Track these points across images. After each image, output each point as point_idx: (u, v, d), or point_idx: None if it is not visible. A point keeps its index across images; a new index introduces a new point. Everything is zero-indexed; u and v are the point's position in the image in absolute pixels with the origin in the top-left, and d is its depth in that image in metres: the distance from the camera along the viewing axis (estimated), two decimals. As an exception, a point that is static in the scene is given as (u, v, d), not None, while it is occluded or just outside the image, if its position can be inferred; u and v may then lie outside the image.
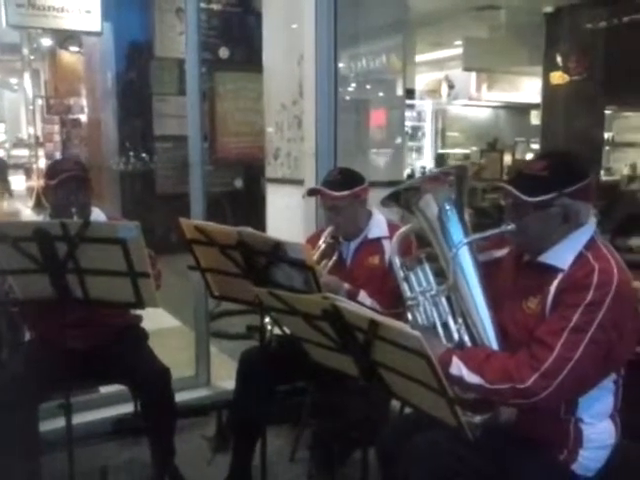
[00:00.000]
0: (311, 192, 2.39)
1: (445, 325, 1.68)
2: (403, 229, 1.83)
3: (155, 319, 2.69)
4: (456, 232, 1.66)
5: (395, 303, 2.28)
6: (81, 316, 2.19)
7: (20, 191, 15.09)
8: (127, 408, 2.85)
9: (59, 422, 2.40)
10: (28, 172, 15.32)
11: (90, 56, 9.44)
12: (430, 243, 1.75)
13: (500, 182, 1.60)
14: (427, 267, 1.75)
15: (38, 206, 12.27)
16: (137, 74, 7.39)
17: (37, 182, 12.75)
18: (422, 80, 11.75)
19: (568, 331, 1.47)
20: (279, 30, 3.91)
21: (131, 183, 7.41)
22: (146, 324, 2.61)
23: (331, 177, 2.36)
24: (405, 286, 1.77)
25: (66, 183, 2.32)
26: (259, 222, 4.24)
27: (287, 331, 2.12)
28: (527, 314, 1.61)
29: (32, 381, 2.17)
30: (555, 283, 1.55)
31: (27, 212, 12.27)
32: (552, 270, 1.58)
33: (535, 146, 10.24)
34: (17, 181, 15.56)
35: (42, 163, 12.35)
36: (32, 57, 14.66)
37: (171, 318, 4.59)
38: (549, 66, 7.94)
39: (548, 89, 8.09)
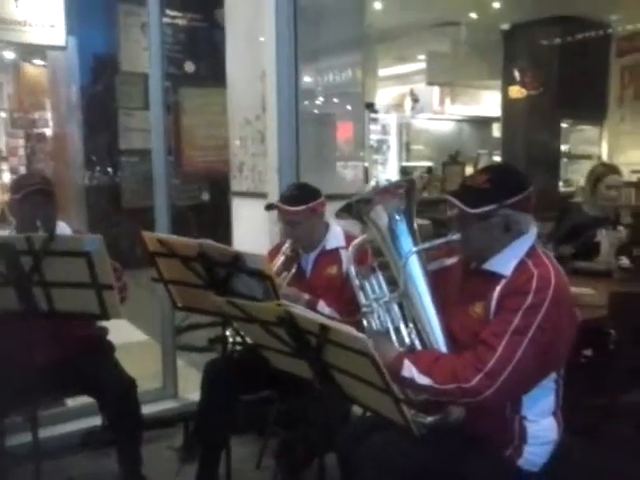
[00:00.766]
0: (268, 207, 2.48)
1: (397, 330, 1.77)
2: (358, 239, 1.92)
3: (123, 333, 2.74)
4: (406, 242, 1.75)
5: (353, 311, 2.36)
6: (46, 329, 2.23)
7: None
8: (95, 421, 2.90)
9: (27, 436, 2.44)
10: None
11: (54, 70, 9.37)
12: (382, 252, 1.84)
13: (445, 195, 1.70)
14: (380, 275, 1.84)
15: (2, 221, 12.11)
16: (102, 88, 7.41)
17: (1, 196, 12.58)
18: (387, 94, 11.96)
19: (510, 333, 1.58)
20: (242, 46, 4.00)
21: (97, 197, 7.39)
22: (114, 337, 2.65)
23: (288, 192, 2.45)
24: (360, 294, 1.86)
25: (31, 197, 2.36)
26: (225, 234, 4.31)
27: (248, 340, 2.22)
28: (473, 318, 1.71)
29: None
30: (498, 289, 1.66)
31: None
32: (495, 276, 1.69)
33: (497, 158, 10.52)
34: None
35: (6, 177, 12.20)
36: (-5, 70, 14.53)
37: (138, 332, 4.61)
38: (507, 81, 8.20)
39: (507, 103, 8.35)
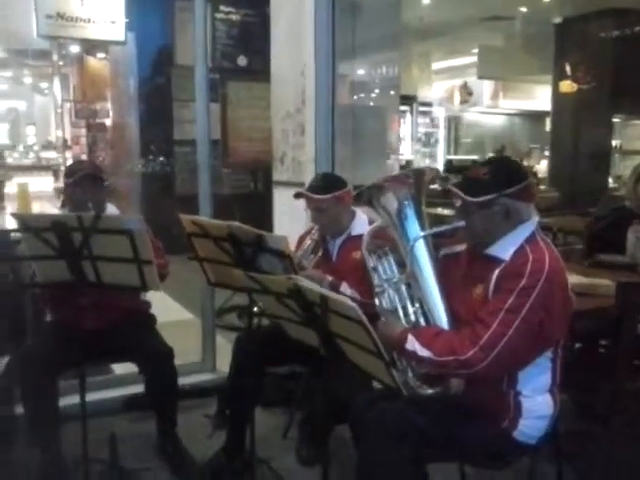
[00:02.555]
0: (297, 195, 2.65)
1: (405, 309, 1.93)
2: (373, 225, 2.08)
3: (171, 312, 2.98)
4: (413, 227, 1.90)
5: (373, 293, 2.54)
6: (95, 299, 2.48)
7: (48, 192, 15.57)
8: (138, 389, 3.16)
9: (75, 398, 2.70)
10: (56, 174, 15.82)
11: (115, 63, 9.83)
12: (393, 237, 2.00)
13: (450, 185, 1.84)
14: (391, 258, 2.00)
15: (65, 206, 12.73)
16: (159, 81, 7.74)
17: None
18: (440, 87, 11.96)
19: (504, 311, 1.71)
20: (285, 41, 4.19)
21: (152, 184, 7.75)
22: (163, 316, 2.91)
23: (314, 182, 2.63)
24: (374, 275, 2.03)
25: (82, 181, 2.62)
26: (270, 222, 4.53)
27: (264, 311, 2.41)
28: (474, 300, 1.85)
29: (51, 359, 2.46)
30: (497, 271, 1.79)
31: (54, 211, 12.74)
32: (496, 261, 1.82)
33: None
34: (45, 182, 16.06)
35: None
36: (61, 63, 15.21)
37: (185, 311, 4.89)
38: (558, 75, 8.12)
39: (557, 97, 8.26)
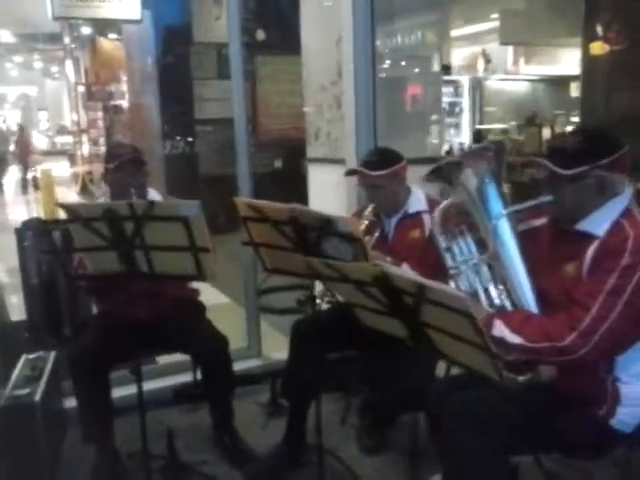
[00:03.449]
0: (350, 172, 2.51)
1: (487, 291, 1.79)
2: (445, 203, 1.94)
3: (205, 296, 2.87)
4: (495, 204, 1.76)
5: (435, 274, 2.40)
6: (144, 289, 2.36)
7: (64, 177, 15.56)
8: (185, 377, 3.07)
9: (122, 390, 2.62)
10: (72, 158, 15.79)
11: (130, 43, 9.66)
12: (471, 215, 1.86)
13: (536, 157, 1.69)
14: (469, 237, 1.86)
15: (84, 191, 12.68)
16: (177, 59, 7.56)
17: (82, 168, 13.16)
18: (458, 55, 11.63)
19: (605, 293, 1.57)
20: (316, 11, 4.01)
21: (175, 166, 7.63)
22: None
23: (369, 157, 2.48)
24: (447, 256, 1.89)
25: (124, 166, 2.50)
26: (299, 201, 4.39)
27: (335, 300, 2.29)
28: (565, 278, 1.71)
29: (102, 351, 2.37)
30: (591, 248, 1.65)
31: (73, 197, 12.68)
32: (588, 237, 1.67)
33: (575, 119, 10.10)
34: (61, 167, 16.04)
35: (86, 149, 12.74)
36: (73, 45, 15.05)
37: (220, 295, 4.79)
38: (588, 37, 7.81)
39: (587, 60, 7.96)
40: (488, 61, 11.55)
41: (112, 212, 1.98)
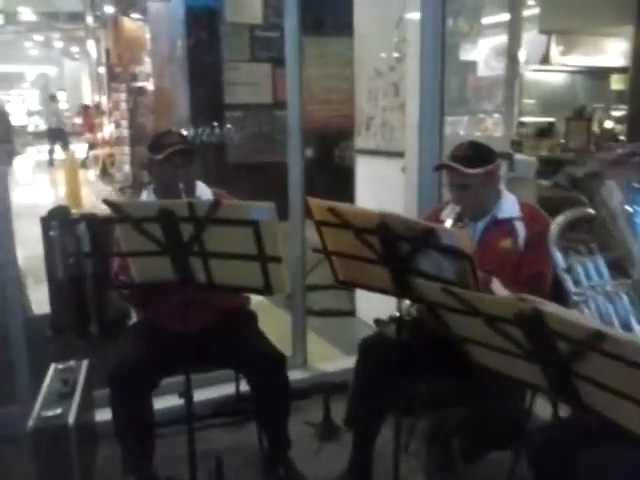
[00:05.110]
0: (439, 167, 2.18)
1: (627, 326, 1.47)
2: (568, 214, 1.61)
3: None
4: (646, 222, 1.43)
5: (533, 293, 2.08)
6: (193, 297, 2.07)
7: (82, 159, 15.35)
8: (227, 389, 2.78)
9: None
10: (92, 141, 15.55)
11: (156, 23, 9.33)
12: (604, 232, 1.53)
13: None
14: (599, 258, 1.54)
15: (104, 175, 12.43)
16: (207, 40, 7.21)
17: (102, 151, 12.90)
18: (489, 44, 11.18)
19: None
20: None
21: (202, 152, 7.30)
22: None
23: (461, 152, 2.14)
24: (567, 278, 1.57)
25: (173, 157, 2.20)
26: (336, 192, 4.07)
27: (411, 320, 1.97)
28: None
29: (144, 369, 2.08)
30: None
31: (93, 180, 12.44)
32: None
33: (616, 113, 9.65)
34: (79, 149, 15.83)
35: (107, 131, 12.46)
36: (95, 25, 14.74)
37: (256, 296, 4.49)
38: (641, 26, 7.36)
39: (638, 50, 7.52)
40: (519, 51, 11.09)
41: (168, 213, 1.68)
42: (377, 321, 1.93)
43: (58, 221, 3.85)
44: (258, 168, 6.73)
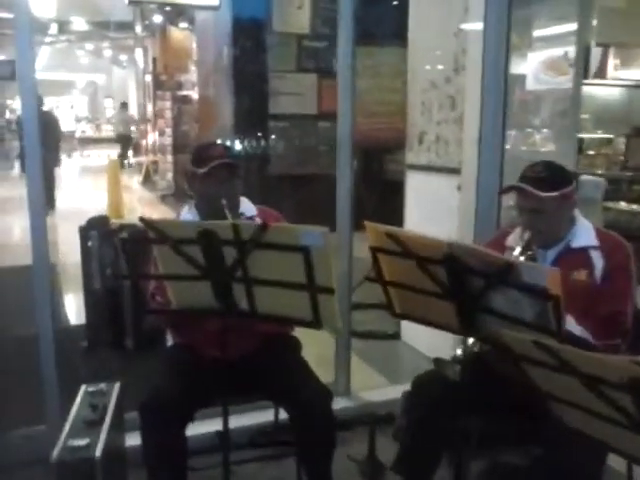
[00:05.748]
0: (508, 190, 1.97)
1: None
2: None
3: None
4: None
5: (611, 332, 1.86)
6: (233, 323, 1.90)
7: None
8: (265, 417, 2.60)
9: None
10: (136, 147, 15.72)
11: (203, 32, 9.32)
12: None
13: None
14: None
15: (147, 181, 12.49)
16: (253, 50, 7.12)
17: (147, 158, 12.99)
18: (534, 58, 10.77)
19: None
20: (430, 1, 3.48)
21: (245, 162, 7.20)
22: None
23: (534, 173, 1.92)
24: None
25: (217, 172, 2.04)
26: (384, 212, 3.87)
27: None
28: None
29: (180, 398, 1.91)
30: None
31: (136, 186, 12.50)
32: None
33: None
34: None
35: (151, 138, 12.54)
36: (143, 34, 14.92)
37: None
38: None
39: None
40: (570, 65, 10.72)
41: (211, 234, 1.52)
42: (437, 361, 1.72)
43: (97, 231, 3.77)
44: (301, 180, 6.59)
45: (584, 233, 1.99)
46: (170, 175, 10.64)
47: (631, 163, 6.46)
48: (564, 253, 1.98)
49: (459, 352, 1.73)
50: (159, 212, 9.51)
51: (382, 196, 3.47)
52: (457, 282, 1.50)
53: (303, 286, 1.53)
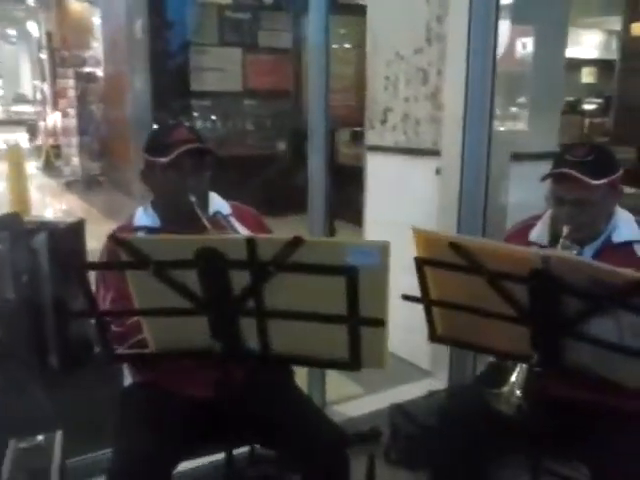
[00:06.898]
0: (551, 176, 1.63)
1: None
2: None
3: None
4: None
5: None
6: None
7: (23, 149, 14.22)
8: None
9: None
10: (32, 130, 14.43)
11: (109, 3, 8.50)
12: None
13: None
14: None
15: (48, 167, 11.45)
16: (171, 22, 6.50)
17: (46, 141, 11.90)
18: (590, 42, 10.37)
19: None
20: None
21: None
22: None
23: (578, 156, 1.60)
24: None
25: (184, 160, 1.59)
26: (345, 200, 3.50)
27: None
28: None
29: (156, 458, 1.46)
30: None
31: (35, 172, 11.40)
32: None
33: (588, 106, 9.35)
34: (20, 139, 14.70)
35: (51, 120, 11.47)
36: (36, 6, 13.63)
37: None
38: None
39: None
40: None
41: (214, 254, 1.08)
42: (489, 394, 1.38)
43: (8, 232, 3.16)
44: (227, 163, 6.10)
45: (626, 225, 1.70)
46: (76, 160, 9.74)
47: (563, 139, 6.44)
48: (604, 249, 1.68)
49: (513, 379, 1.40)
50: (66, 202, 8.67)
51: (334, 182, 3.08)
52: (543, 303, 1.15)
53: (341, 318, 1.13)
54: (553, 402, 1.42)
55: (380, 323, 1.13)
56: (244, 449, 1.85)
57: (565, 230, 1.62)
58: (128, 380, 1.73)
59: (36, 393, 2.77)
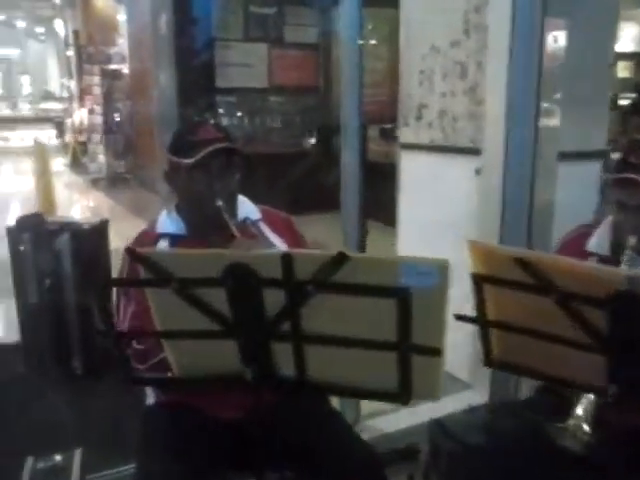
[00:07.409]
0: (626, 182, 1.47)
1: None
2: None
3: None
4: None
5: None
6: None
7: (50, 146, 14.27)
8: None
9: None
10: (60, 127, 14.50)
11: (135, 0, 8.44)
12: None
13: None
14: None
15: (75, 164, 11.47)
16: (196, 18, 6.40)
17: (73, 138, 11.93)
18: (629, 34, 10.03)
19: None
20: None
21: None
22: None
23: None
24: None
25: (211, 161, 1.46)
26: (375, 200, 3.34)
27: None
28: None
29: (184, 473, 1.34)
30: None
31: (62, 169, 11.43)
32: None
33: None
34: (46, 135, 14.75)
35: (77, 117, 11.49)
36: (63, 4, 13.67)
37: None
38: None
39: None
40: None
41: (244, 271, 0.94)
42: (553, 427, 1.23)
43: (30, 233, 3.07)
44: (256, 161, 6.00)
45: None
46: (102, 157, 9.71)
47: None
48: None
49: (580, 412, 1.24)
50: (93, 199, 8.66)
51: (365, 181, 2.91)
52: (626, 329, 0.99)
53: (390, 345, 0.98)
54: (626, 433, 1.27)
55: (436, 352, 0.98)
56: (274, 475, 1.71)
57: (631, 241, 1.45)
58: (150, 399, 1.61)
59: (57, 404, 2.67)
